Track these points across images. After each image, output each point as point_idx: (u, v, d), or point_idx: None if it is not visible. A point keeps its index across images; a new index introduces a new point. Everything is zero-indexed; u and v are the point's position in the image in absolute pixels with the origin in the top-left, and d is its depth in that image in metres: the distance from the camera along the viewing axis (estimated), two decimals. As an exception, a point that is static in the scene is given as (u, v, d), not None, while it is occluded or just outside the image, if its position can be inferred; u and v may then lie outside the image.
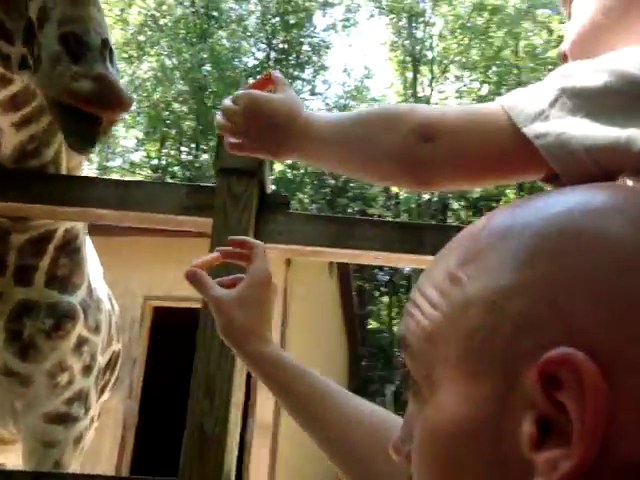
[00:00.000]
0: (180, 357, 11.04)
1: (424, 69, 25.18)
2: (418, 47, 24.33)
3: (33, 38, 1.39)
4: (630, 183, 0.57)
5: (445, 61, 25.14)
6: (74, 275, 2.03)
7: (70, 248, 2.03)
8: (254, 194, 2.05)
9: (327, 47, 24.43)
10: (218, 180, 2.04)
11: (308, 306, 8.88)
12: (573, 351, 0.38)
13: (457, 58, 24.57)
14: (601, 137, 0.56)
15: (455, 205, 26.40)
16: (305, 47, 24.33)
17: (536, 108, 0.62)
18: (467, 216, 27.05)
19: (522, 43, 23.47)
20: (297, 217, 2.13)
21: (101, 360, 2.23)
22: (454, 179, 0.74)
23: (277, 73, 0.95)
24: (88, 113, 1.33)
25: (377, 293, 26.79)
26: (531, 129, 0.61)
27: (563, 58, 0.80)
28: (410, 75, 24.88)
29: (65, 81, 1.27)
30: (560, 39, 21.90)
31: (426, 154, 0.71)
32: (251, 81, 0.99)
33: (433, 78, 25.14)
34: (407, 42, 24.25)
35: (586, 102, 0.59)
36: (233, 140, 0.94)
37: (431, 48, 24.69)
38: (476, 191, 24.63)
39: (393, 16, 24.10)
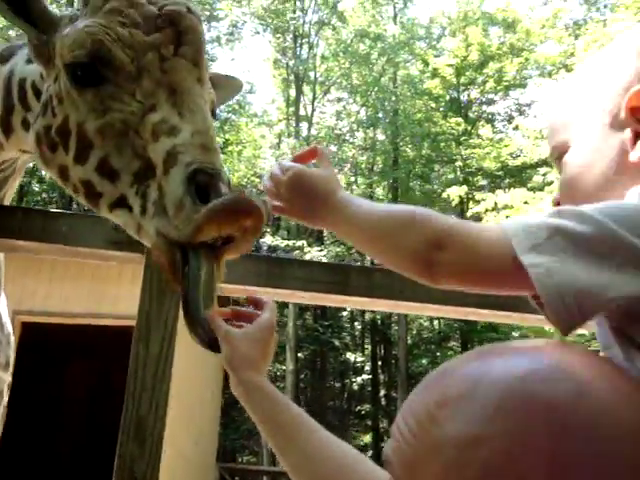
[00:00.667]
0: (49, 370, 10.51)
1: (306, 89, 25.64)
2: (301, 67, 24.76)
3: (148, 179, 1.28)
4: (595, 322, 0.73)
5: (327, 82, 25.75)
6: (-13, 309, 1.93)
7: None
8: (187, 232, 2.05)
9: (211, 60, 24.29)
10: (152, 217, 2.02)
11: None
12: None
13: (339, 80, 25.23)
14: (583, 278, 0.68)
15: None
16: (188, 57, 23.99)
17: (534, 241, 0.74)
18: (342, 234, 27.72)
19: (400, 72, 24.51)
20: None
21: (5, 397, 2.13)
22: (457, 283, 0.89)
23: (323, 148, 1.11)
24: (212, 247, 1.20)
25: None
26: (527, 258, 0.73)
27: (556, 204, 0.96)
28: (293, 93, 25.23)
29: (194, 222, 1.14)
30: (435, 71, 23.10)
31: (436, 260, 0.86)
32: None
33: (315, 98, 25.64)
34: (291, 62, 24.62)
35: (574, 245, 0.71)
36: (276, 203, 1.11)
37: (314, 69, 25.19)
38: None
39: (279, 35, 24.39)
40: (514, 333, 21.17)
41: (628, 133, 0.87)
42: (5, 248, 2.07)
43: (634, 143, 0.86)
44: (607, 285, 0.67)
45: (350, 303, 2.21)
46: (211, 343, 1.17)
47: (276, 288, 2.15)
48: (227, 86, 1.82)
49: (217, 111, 1.63)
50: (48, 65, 1.49)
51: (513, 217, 0.85)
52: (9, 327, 2.15)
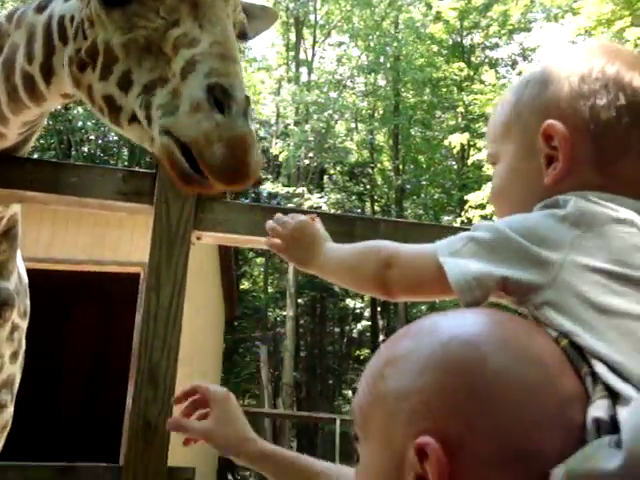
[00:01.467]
0: (53, 315, 10.66)
1: (306, 33, 25.17)
2: (302, 10, 24.24)
3: (155, 91, 1.34)
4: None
5: (328, 26, 25.25)
6: (10, 261, 1.97)
7: (10, 234, 1.96)
8: (195, 183, 2.07)
9: (209, 2, 23.72)
10: (160, 169, 2.03)
11: (191, 267, 8.82)
12: (430, 439, 0.67)
13: (339, 24, 24.74)
14: (481, 266, 0.88)
15: (332, 170, 26.87)
16: None
17: (453, 249, 0.93)
18: (343, 181, 27.67)
19: (402, 16, 23.99)
20: (235, 207, 2.17)
21: (24, 344, 2.20)
22: (406, 293, 1.10)
23: (318, 218, 1.35)
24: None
25: (251, 254, 26.88)
26: (446, 260, 0.92)
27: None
28: (293, 37, 24.78)
29: (204, 127, 1.22)
30: (438, 15, 22.60)
31: (388, 277, 1.06)
32: None
33: (315, 42, 25.20)
34: (291, 5, 24.08)
35: (481, 248, 0.91)
36: (275, 241, 1.32)
37: (314, 12, 24.68)
38: (352, 157, 25.18)
39: (278, -24, 23.79)
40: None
41: (543, 158, 0.97)
42: (15, 199, 2.09)
43: (547, 167, 0.96)
44: (499, 270, 0.87)
45: (355, 254, 2.25)
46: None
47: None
48: (262, 16, 1.84)
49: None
50: None
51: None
52: (26, 278, 2.19)
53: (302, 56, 24.91)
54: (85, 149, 22.73)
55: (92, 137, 23.03)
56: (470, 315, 0.82)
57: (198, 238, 2.12)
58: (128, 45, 1.40)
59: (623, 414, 0.67)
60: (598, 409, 0.69)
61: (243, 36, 1.59)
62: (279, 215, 1.37)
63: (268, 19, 1.90)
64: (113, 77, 1.42)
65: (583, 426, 0.69)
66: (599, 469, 0.62)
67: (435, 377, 0.71)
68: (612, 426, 0.67)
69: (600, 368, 0.73)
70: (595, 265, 0.81)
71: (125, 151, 23.68)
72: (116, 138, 22.62)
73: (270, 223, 1.35)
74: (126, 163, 22.40)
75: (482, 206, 11.64)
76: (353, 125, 26.16)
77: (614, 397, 0.70)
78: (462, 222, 11.91)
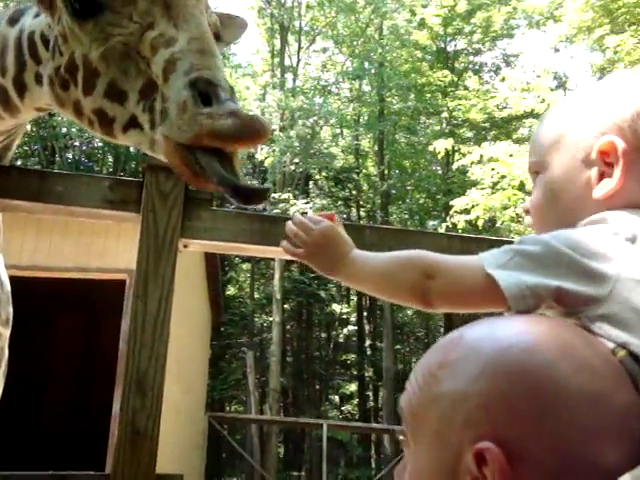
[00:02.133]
0: (37, 323, 10.58)
1: (291, 39, 25.21)
2: (286, 16, 24.29)
3: (153, 94, 1.33)
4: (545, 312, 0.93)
5: (312, 32, 25.32)
6: (-9, 268, 1.97)
7: None
8: (181, 192, 2.08)
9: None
10: (147, 177, 2.05)
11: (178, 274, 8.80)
12: (492, 445, 0.67)
13: (324, 30, 24.82)
14: (533, 280, 0.88)
15: (317, 176, 26.90)
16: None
17: (500, 261, 0.93)
18: (329, 186, 27.70)
19: (387, 22, 24.11)
20: (221, 215, 2.19)
21: (6, 352, 2.19)
22: (447, 304, 1.08)
23: (338, 217, 1.31)
24: (219, 150, 1.25)
25: (237, 260, 26.82)
26: (496, 272, 0.92)
27: (526, 212, 1.14)
28: (278, 43, 24.81)
29: (198, 123, 1.20)
30: (422, 21, 22.74)
31: (429, 287, 1.05)
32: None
33: (300, 48, 25.25)
34: (276, 11, 24.13)
35: (529, 261, 0.90)
36: (296, 250, 1.28)
37: (299, 18, 24.73)
38: (337, 163, 25.23)
39: (262, -18, 23.83)
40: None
41: (595, 172, 0.98)
42: (5, 208, 2.09)
43: (599, 181, 0.98)
44: (553, 280, 0.87)
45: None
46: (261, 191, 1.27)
47: (268, 245, 2.19)
48: (231, 25, 1.85)
49: None
50: (50, 9, 1.52)
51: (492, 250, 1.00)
52: (8, 285, 2.19)
53: (287, 62, 24.95)
54: (69, 155, 22.60)
55: (76, 143, 22.90)
56: (528, 322, 0.81)
57: (185, 246, 2.13)
58: (106, 55, 1.40)
59: None
60: None
61: (217, 38, 1.58)
62: (299, 217, 1.32)
63: (238, 28, 1.91)
64: (98, 91, 1.41)
65: None
66: None
67: (495, 382, 0.71)
68: None
69: None
70: None
71: (110, 157, 23.57)
72: (101, 144, 22.50)
73: (292, 229, 1.29)
74: (111, 169, 22.30)
75: (467, 211, 11.71)
76: (338, 131, 26.23)
77: None
78: (447, 227, 11.96)
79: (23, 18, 1.69)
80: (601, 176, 0.98)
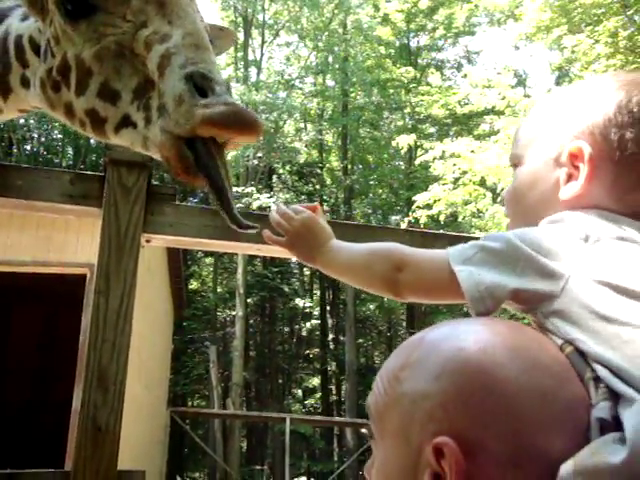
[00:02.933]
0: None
1: (255, 32, 25.07)
2: (250, 9, 24.13)
3: (148, 92, 1.32)
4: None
5: (276, 26, 25.21)
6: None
7: None
8: (144, 186, 2.08)
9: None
10: (109, 171, 2.04)
11: (140, 268, 8.69)
12: (449, 439, 0.71)
13: (288, 24, 24.73)
14: (493, 277, 0.93)
15: (281, 170, 26.84)
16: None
17: (465, 256, 0.98)
18: (292, 180, 27.67)
19: (350, 17, 24.14)
20: (184, 210, 2.19)
21: None
22: (416, 295, 1.14)
23: (320, 208, 1.36)
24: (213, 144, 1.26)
25: (199, 254, 26.63)
26: (458, 267, 0.96)
27: (503, 201, 1.19)
28: (241, 37, 24.64)
29: (195, 114, 1.21)
30: (385, 17, 22.84)
31: (398, 279, 1.10)
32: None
33: (264, 42, 25.13)
34: (239, 4, 23.94)
35: (491, 256, 0.95)
36: (278, 238, 1.32)
37: (263, 11, 24.60)
38: (301, 157, 25.22)
39: (225, -25, 23.63)
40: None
41: (564, 173, 1.03)
42: (-41, 202, 2.06)
43: (566, 183, 1.02)
44: (510, 282, 0.91)
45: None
46: (247, 227, 1.27)
47: (232, 241, 2.20)
48: (221, 37, 1.86)
49: None
50: (42, 12, 1.51)
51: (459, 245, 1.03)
52: None
53: (251, 56, 24.81)
54: (28, 147, 22.12)
55: (35, 135, 22.42)
56: (482, 323, 0.86)
57: (147, 241, 2.13)
58: (100, 55, 1.39)
59: (626, 414, 0.73)
60: (601, 410, 0.75)
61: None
62: (282, 207, 1.36)
63: (227, 39, 1.93)
64: (91, 91, 1.41)
65: (588, 426, 0.74)
66: (605, 463, 0.68)
67: (452, 381, 0.75)
68: (615, 425, 0.73)
69: (604, 373, 0.79)
70: (601, 278, 0.87)
71: (70, 150, 23.14)
72: (60, 136, 22.07)
73: (275, 217, 1.33)
74: (71, 162, 21.89)
75: (429, 206, 11.82)
76: (302, 125, 26.20)
77: (615, 399, 0.76)
78: (409, 222, 12.06)
79: (8, 19, 1.66)
80: (569, 178, 1.01)
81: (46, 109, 1.57)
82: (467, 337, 0.80)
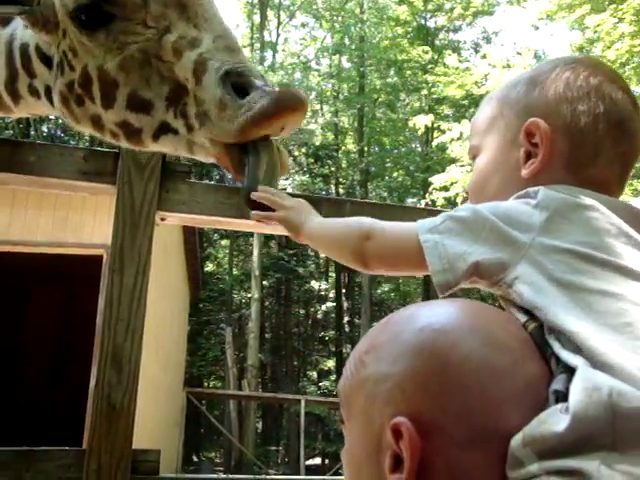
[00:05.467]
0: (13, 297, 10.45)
1: (271, 14, 24.89)
2: (266, -11, 23.94)
3: (182, 98, 1.29)
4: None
5: (292, 7, 25.01)
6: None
7: None
8: (159, 163, 2.04)
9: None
10: (123, 148, 2.00)
11: (155, 250, 8.71)
12: (404, 420, 0.72)
13: (304, 5, 24.52)
14: (457, 248, 0.94)
15: (297, 152, 26.76)
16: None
17: (432, 225, 0.99)
18: (308, 163, 27.59)
19: (367, -4, 23.89)
20: (200, 187, 2.15)
21: None
22: (382, 266, 1.14)
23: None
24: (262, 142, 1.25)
25: (215, 236, 26.72)
26: (424, 236, 0.98)
27: (466, 194, 1.19)
28: (257, 19, 24.50)
29: (240, 118, 1.19)
30: (403, -4, 22.55)
31: (366, 248, 1.12)
32: None
33: (280, 23, 24.96)
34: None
35: (458, 225, 0.96)
36: (270, 213, 1.32)
37: (279, -9, 24.42)
38: (317, 140, 25.13)
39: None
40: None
41: (522, 152, 1.04)
42: (-28, 178, 2.04)
43: (525, 161, 1.04)
44: (472, 252, 0.93)
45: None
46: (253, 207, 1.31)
47: (247, 219, 2.16)
48: None
49: None
50: (49, 28, 1.44)
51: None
52: None
53: (267, 38, 24.66)
54: (45, 129, 22.22)
55: (52, 116, 22.50)
56: (444, 304, 0.87)
57: (162, 219, 2.09)
58: (124, 65, 1.33)
59: (572, 383, 0.74)
60: (557, 383, 0.76)
61: None
62: (271, 189, 1.36)
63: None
64: (119, 103, 1.35)
65: (547, 402, 0.74)
66: (550, 431, 0.70)
67: (409, 362, 0.77)
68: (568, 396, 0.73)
69: (557, 346, 0.80)
70: (561, 246, 0.88)
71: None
72: (76, 118, 22.08)
73: (269, 195, 1.33)
74: (87, 144, 21.97)
75: (446, 188, 11.73)
76: (318, 107, 26.06)
77: (571, 371, 0.76)
78: (426, 204, 11.98)
79: (14, 21, 1.58)
80: (527, 156, 1.04)
81: (70, 122, 1.50)
82: (426, 319, 0.82)
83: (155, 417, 9.28)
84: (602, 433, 0.68)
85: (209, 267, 25.94)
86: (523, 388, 0.75)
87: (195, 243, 13.50)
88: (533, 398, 0.75)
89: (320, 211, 2.20)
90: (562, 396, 0.73)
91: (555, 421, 0.70)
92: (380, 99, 24.35)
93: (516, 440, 0.71)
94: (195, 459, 22.49)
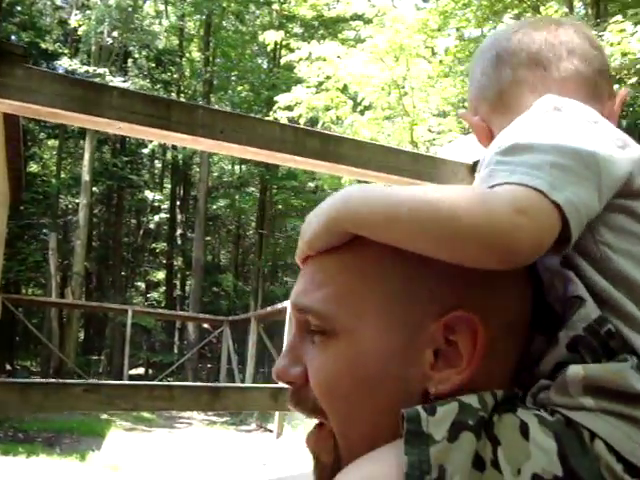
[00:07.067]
0: None
1: None
2: None
3: None
4: None
5: None
6: None
7: None
8: (-10, 42, 1.83)
9: None
10: (-52, 18, 1.76)
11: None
12: (468, 313, 0.67)
13: None
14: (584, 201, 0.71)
15: (137, 54, 25.24)
16: None
17: (553, 185, 0.70)
18: (149, 67, 26.18)
19: None
20: (38, 74, 1.95)
21: None
22: (536, 254, 0.69)
23: None
24: None
25: (42, 134, 24.81)
26: (557, 197, 0.68)
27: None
28: None
29: None
30: None
31: (520, 229, 0.67)
32: None
33: None
34: None
35: (568, 176, 0.71)
36: None
37: None
38: (159, 43, 23.90)
39: None
40: (310, 183, 22.10)
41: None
42: None
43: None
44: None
45: (171, 139, 2.15)
46: None
47: (91, 115, 2.02)
48: None
49: None
50: None
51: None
52: None
53: None
54: None
55: None
56: None
57: (-8, 105, 1.90)
58: None
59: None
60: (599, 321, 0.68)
61: None
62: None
63: None
64: None
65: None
66: (632, 388, 0.64)
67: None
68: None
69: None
70: None
71: None
72: None
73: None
74: None
75: (290, 108, 11.71)
76: (162, 8, 24.60)
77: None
78: (269, 122, 11.91)
79: None
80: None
81: None
82: None
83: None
84: None
85: (33, 168, 24.13)
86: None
87: (19, 139, 12.43)
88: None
89: (171, 115, 2.12)
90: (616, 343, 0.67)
91: (635, 379, 0.64)
92: (230, 8, 23.45)
93: (575, 373, 0.65)
94: (9, 367, 21.52)
